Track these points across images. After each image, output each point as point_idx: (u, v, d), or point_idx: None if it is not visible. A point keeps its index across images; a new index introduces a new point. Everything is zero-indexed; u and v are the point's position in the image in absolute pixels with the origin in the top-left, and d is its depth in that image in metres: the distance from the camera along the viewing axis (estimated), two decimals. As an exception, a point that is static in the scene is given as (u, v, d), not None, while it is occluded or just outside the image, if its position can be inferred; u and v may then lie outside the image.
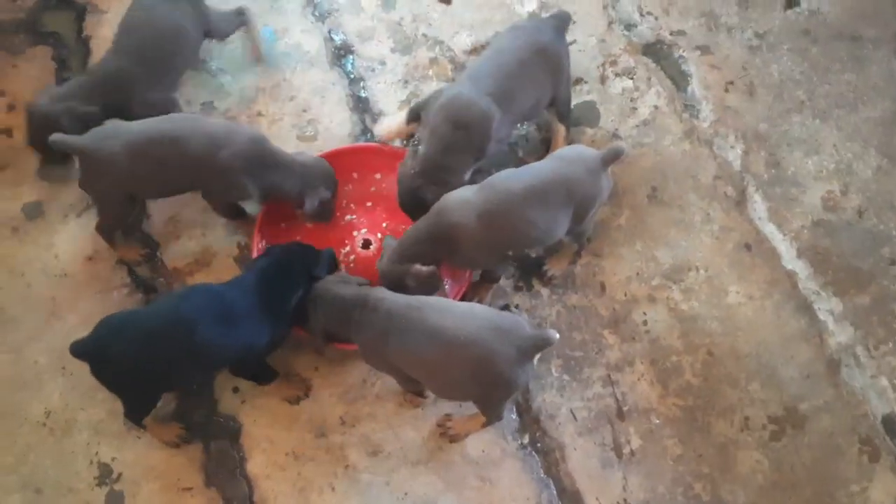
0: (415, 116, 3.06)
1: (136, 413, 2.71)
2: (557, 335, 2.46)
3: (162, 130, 2.82)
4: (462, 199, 2.71)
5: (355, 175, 3.17)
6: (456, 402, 2.78)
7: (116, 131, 2.83)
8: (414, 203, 2.86)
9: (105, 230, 3.05)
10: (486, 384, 2.47)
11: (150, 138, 2.80)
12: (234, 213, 3.11)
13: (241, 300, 2.60)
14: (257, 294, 2.62)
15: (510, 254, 2.86)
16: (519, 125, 3.25)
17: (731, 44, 3.54)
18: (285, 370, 2.87)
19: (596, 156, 2.78)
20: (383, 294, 2.58)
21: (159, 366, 2.55)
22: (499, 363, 2.41)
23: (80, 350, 2.54)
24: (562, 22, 3.10)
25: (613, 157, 2.79)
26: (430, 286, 2.70)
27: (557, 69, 3.04)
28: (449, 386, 2.56)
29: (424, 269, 2.67)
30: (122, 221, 3.06)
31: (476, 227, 2.65)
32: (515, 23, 3.35)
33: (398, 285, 2.67)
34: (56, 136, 2.81)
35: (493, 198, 2.68)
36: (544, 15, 3.58)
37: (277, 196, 2.96)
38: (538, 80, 3.00)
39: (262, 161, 2.87)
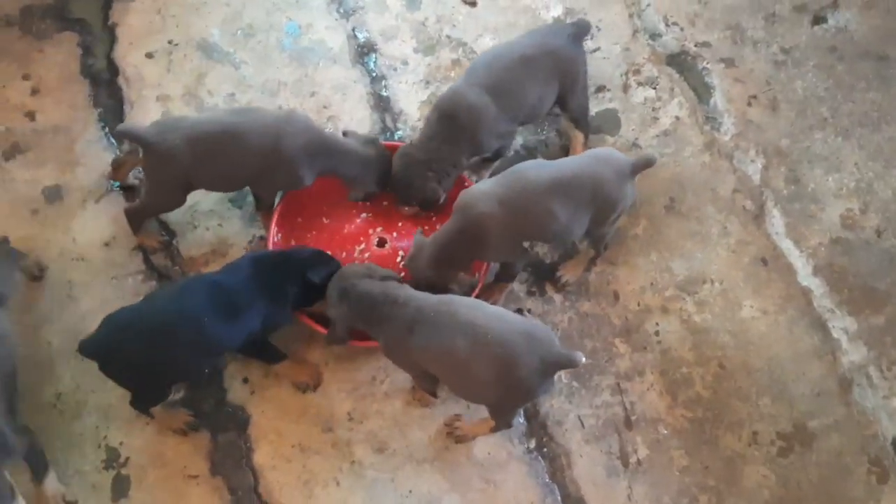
0: None
1: (144, 405, 2.74)
2: (584, 359, 2.46)
3: (222, 123, 2.84)
4: (482, 190, 2.73)
5: None
6: (469, 403, 2.78)
7: (178, 123, 2.85)
8: (402, 185, 2.97)
9: (137, 216, 3.05)
10: (506, 387, 2.47)
11: (210, 131, 2.82)
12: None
13: (241, 288, 2.63)
14: (255, 280, 2.65)
15: (527, 246, 2.87)
16: (538, 129, 3.26)
17: (756, 58, 3.52)
18: (297, 360, 2.89)
19: (626, 161, 2.81)
20: (413, 291, 2.58)
21: (166, 360, 2.58)
22: (522, 369, 2.41)
23: (88, 349, 2.57)
24: (580, 29, 3.11)
25: (644, 165, 2.82)
26: (470, 291, 2.79)
27: (567, 73, 3.05)
28: (468, 384, 2.55)
29: (468, 277, 2.78)
30: (161, 212, 3.08)
31: (500, 215, 2.67)
32: (535, 28, 3.37)
33: (436, 289, 2.68)
34: (121, 126, 2.84)
35: (516, 185, 2.70)
36: (569, 21, 3.58)
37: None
38: (540, 79, 3.00)
39: (320, 149, 2.89)
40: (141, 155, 2.92)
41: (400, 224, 3.12)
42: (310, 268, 2.71)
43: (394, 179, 3.00)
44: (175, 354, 2.57)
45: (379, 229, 3.14)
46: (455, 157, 2.96)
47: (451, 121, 2.93)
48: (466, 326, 2.43)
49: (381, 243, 3.10)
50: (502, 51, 3.06)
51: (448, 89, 3.03)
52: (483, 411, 2.66)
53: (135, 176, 3.22)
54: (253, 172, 2.90)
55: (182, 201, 2.99)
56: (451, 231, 2.73)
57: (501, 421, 2.66)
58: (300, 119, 2.91)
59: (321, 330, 2.77)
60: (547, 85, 3.02)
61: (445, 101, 2.97)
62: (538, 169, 2.76)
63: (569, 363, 2.46)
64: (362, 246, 3.10)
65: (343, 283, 2.63)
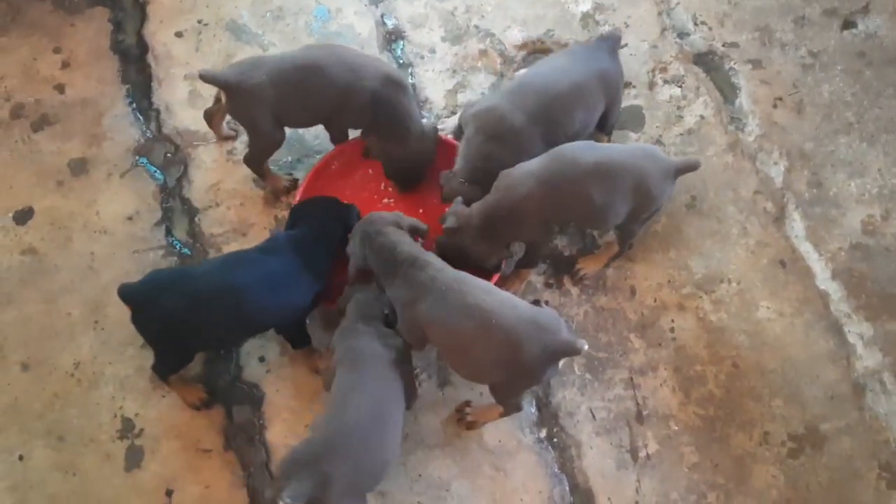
0: (459, 131, 3.08)
1: (166, 368, 2.76)
2: (586, 346, 2.46)
3: (304, 58, 2.90)
4: (525, 170, 2.74)
5: None
6: (471, 383, 2.78)
7: (258, 62, 2.90)
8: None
9: (253, 161, 3.09)
10: (508, 371, 2.48)
11: (292, 67, 2.87)
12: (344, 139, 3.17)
13: (284, 264, 2.66)
14: (298, 255, 2.69)
15: (557, 228, 2.88)
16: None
17: (784, 60, 3.51)
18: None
19: (672, 162, 2.86)
20: (432, 258, 2.59)
21: (201, 327, 2.61)
22: (524, 353, 2.42)
23: (128, 294, 2.59)
24: (615, 42, 3.06)
25: (687, 168, 2.88)
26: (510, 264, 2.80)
27: (613, 92, 3.03)
28: (470, 363, 2.56)
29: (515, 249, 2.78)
30: (270, 151, 3.08)
31: (538, 194, 2.69)
32: (570, 47, 3.33)
33: (475, 262, 2.73)
34: (203, 71, 2.89)
35: (558, 164, 2.72)
36: (598, 17, 3.60)
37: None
38: (589, 105, 2.97)
39: (394, 93, 2.94)
40: (224, 101, 2.95)
41: (421, 210, 3.13)
42: (346, 217, 2.79)
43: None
44: (211, 322, 2.60)
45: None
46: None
47: (498, 142, 2.87)
48: (473, 308, 2.44)
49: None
50: (554, 77, 2.95)
51: (488, 109, 2.92)
52: (490, 397, 2.68)
53: (230, 127, 3.29)
54: (333, 106, 2.95)
55: (281, 136, 3.03)
56: (492, 207, 2.75)
57: (507, 403, 2.67)
58: (380, 61, 3.03)
59: None
60: (594, 109, 3.00)
61: (490, 124, 2.89)
62: (583, 151, 2.76)
63: (572, 350, 2.46)
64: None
65: (367, 228, 2.65)
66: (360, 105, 2.92)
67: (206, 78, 2.87)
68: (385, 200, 3.18)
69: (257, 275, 2.62)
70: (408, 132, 2.99)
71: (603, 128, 3.15)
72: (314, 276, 2.71)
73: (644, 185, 2.75)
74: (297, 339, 2.86)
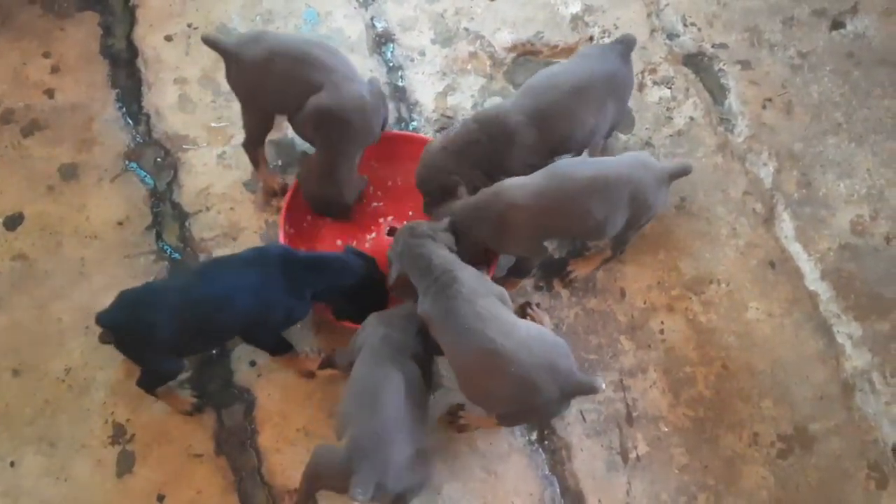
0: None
1: (154, 384, 2.77)
2: (603, 385, 2.46)
3: (304, 48, 2.90)
4: (521, 182, 2.73)
5: (375, 164, 3.19)
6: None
7: (261, 36, 2.91)
8: (431, 180, 2.92)
9: (248, 143, 3.09)
10: (520, 409, 2.50)
11: (290, 51, 2.87)
12: None
13: (265, 276, 2.64)
14: (283, 275, 2.66)
15: (548, 244, 2.89)
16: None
17: (773, 61, 3.52)
18: (302, 348, 2.92)
19: (664, 168, 2.84)
20: (464, 284, 2.53)
21: (181, 339, 2.61)
22: (539, 398, 2.43)
23: (106, 321, 2.59)
24: (627, 47, 3.00)
25: (681, 172, 2.86)
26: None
27: (621, 96, 3.01)
28: (481, 396, 2.54)
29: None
30: (258, 129, 3.07)
31: (532, 207, 2.68)
32: (582, 49, 3.28)
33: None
34: (206, 35, 2.92)
35: (555, 181, 2.71)
36: (588, 18, 3.60)
37: None
38: (596, 107, 2.92)
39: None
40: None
41: (410, 213, 3.14)
42: (340, 277, 2.74)
43: (419, 178, 2.96)
44: (190, 333, 2.60)
45: (390, 218, 3.17)
46: (472, 165, 2.90)
47: (487, 136, 2.87)
48: (490, 353, 2.40)
49: (392, 232, 3.12)
50: (558, 78, 2.93)
51: (494, 107, 2.97)
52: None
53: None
54: (297, 105, 2.93)
55: (270, 119, 3.04)
56: (474, 202, 2.76)
57: (506, 424, 2.70)
58: (376, 84, 3.02)
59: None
60: (602, 112, 2.94)
61: (487, 117, 2.90)
62: (577, 166, 2.76)
63: (588, 391, 2.48)
64: (373, 235, 3.13)
65: (409, 239, 2.66)
66: (305, 116, 2.91)
67: (208, 41, 2.89)
68: (374, 204, 3.20)
69: (238, 283, 2.61)
70: (331, 167, 2.94)
71: (614, 130, 3.15)
72: (295, 299, 2.68)
73: (640, 194, 2.75)
74: (273, 348, 2.85)
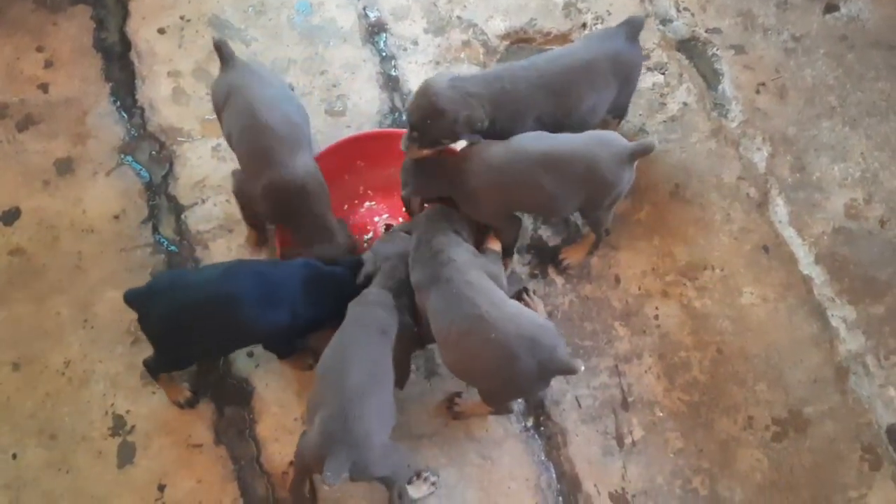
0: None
1: (163, 367, 2.78)
2: (583, 367, 2.47)
3: (257, 97, 2.81)
4: (485, 151, 2.75)
5: (360, 163, 3.18)
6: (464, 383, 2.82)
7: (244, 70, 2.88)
8: (438, 112, 2.76)
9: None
10: (499, 382, 2.52)
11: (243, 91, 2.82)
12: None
13: (287, 286, 2.66)
14: (302, 286, 2.68)
15: (516, 215, 2.91)
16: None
17: (767, 45, 3.52)
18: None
19: (626, 146, 2.77)
20: (459, 255, 2.60)
21: (200, 331, 2.61)
22: (517, 369, 2.44)
23: (132, 298, 2.60)
24: (634, 28, 2.96)
25: (642, 151, 2.79)
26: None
27: (626, 75, 2.97)
28: (464, 367, 2.57)
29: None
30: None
31: (489, 179, 2.72)
32: (591, 31, 3.25)
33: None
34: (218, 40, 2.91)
35: (510, 153, 2.72)
36: (581, 5, 3.60)
37: None
38: (598, 85, 2.90)
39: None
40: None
41: (404, 210, 3.14)
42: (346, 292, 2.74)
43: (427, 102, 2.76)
44: (209, 327, 2.60)
45: (385, 216, 3.18)
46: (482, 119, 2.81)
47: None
48: (475, 318, 2.44)
49: (388, 229, 3.12)
50: (561, 55, 2.92)
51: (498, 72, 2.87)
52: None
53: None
54: None
55: None
56: (446, 166, 2.80)
57: (497, 407, 2.72)
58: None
59: None
60: (604, 91, 2.92)
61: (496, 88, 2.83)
62: (533, 140, 2.76)
63: (566, 370, 2.48)
64: (370, 234, 3.13)
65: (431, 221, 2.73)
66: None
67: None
68: (367, 204, 3.20)
69: (258, 289, 2.61)
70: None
71: (613, 111, 3.13)
72: (310, 309, 2.70)
73: (597, 171, 2.71)
74: (282, 351, 2.88)
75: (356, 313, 2.62)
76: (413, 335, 2.70)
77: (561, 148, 2.72)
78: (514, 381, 2.49)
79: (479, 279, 2.55)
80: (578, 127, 2.91)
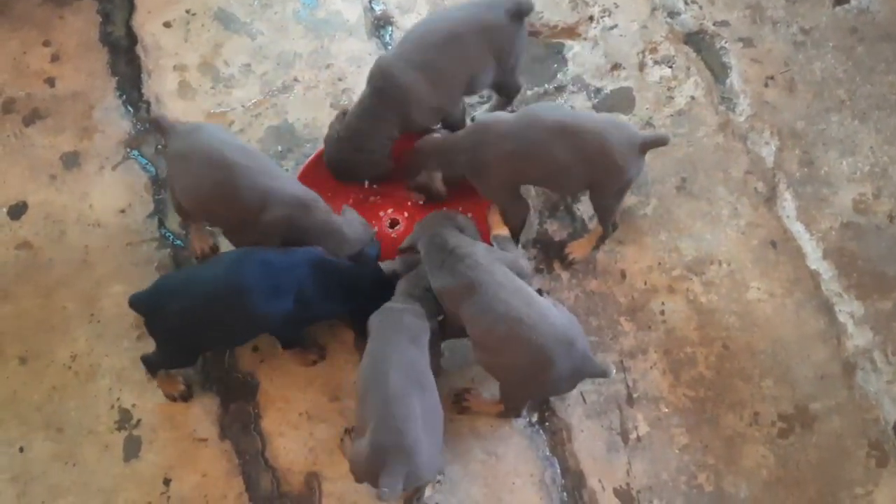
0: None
1: (167, 366, 2.80)
2: (614, 372, 2.51)
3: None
4: (497, 119, 2.81)
5: None
6: (464, 373, 2.84)
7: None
8: (337, 165, 2.98)
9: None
10: (533, 383, 2.54)
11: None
12: None
13: (295, 273, 2.65)
14: (311, 273, 2.67)
15: (524, 198, 2.95)
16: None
17: (775, 38, 3.49)
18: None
19: (639, 135, 2.79)
20: (481, 257, 2.57)
21: (209, 327, 2.63)
22: (553, 373, 2.46)
23: (137, 302, 2.62)
24: (521, 7, 2.89)
25: (655, 142, 2.81)
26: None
27: (500, 51, 2.93)
28: (498, 365, 2.57)
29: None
30: None
31: (501, 147, 2.75)
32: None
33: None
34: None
35: (524, 120, 2.76)
36: (584, -3, 3.58)
37: None
38: (470, 59, 2.90)
39: None
40: None
41: (410, 204, 3.14)
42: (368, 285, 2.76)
43: (329, 165, 2.99)
44: (217, 322, 2.61)
45: (390, 210, 3.15)
46: (381, 132, 2.90)
47: (378, 96, 2.87)
48: (513, 320, 2.44)
49: (393, 224, 3.12)
50: (433, 26, 2.94)
51: (376, 62, 2.91)
52: (492, 389, 2.73)
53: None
54: None
55: None
56: (461, 138, 2.84)
57: (511, 407, 2.73)
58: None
59: None
60: (479, 65, 2.92)
61: (374, 77, 2.89)
62: (549, 110, 2.81)
63: (598, 374, 2.56)
64: (375, 229, 3.12)
65: (433, 230, 2.71)
66: None
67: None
68: (371, 199, 3.18)
69: (265, 278, 2.60)
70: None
71: (500, 92, 3.12)
72: (319, 298, 2.69)
73: (608, 152, 2.70)
74: (289, 340, 2.86)
75: (384, 322, 2.60)
76: (438, 341, 2.70)
77: (576, 121, 2.76)
78: (545, 383, 2.52)
79: (509, 278, 2.54)
80: (469, 94, 3.01)
